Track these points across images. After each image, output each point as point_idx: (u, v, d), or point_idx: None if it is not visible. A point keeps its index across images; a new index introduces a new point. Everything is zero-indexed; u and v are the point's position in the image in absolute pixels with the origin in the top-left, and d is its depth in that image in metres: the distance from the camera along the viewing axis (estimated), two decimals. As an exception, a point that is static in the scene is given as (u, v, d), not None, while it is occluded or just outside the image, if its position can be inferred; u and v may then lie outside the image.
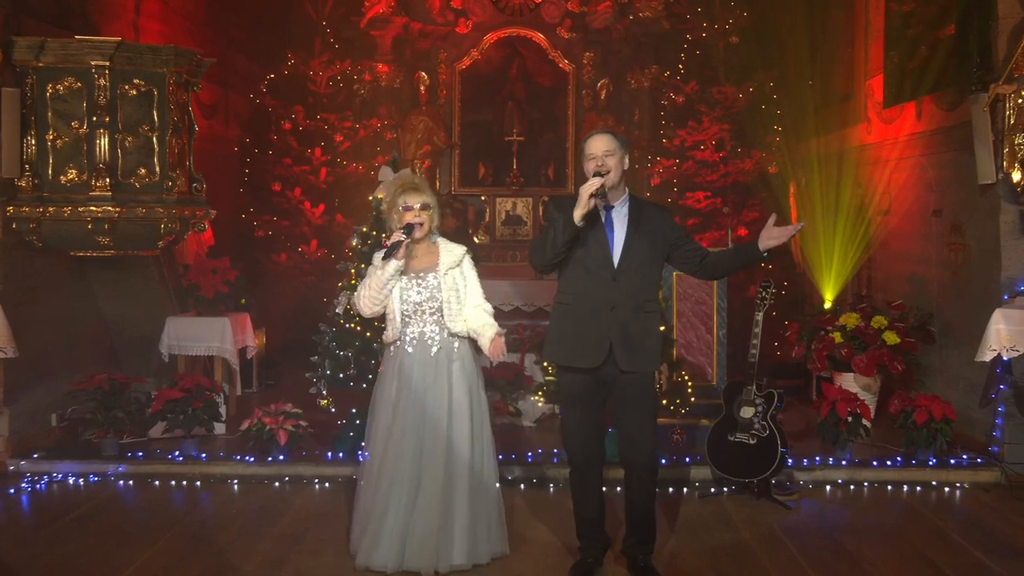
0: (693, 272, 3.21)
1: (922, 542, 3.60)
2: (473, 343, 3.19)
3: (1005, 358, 4.21)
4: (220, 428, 4.97)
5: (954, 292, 5.11)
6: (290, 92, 7.52)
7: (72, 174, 4.53)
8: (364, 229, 4.74)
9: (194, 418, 4.62)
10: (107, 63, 4.48)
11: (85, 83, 4.50)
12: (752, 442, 4.08)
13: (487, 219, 7.71)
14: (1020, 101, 4.23)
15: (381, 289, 3.04)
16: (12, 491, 4.18)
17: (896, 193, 5.90)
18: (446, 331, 3.08)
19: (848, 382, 5.02)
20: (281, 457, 4.48)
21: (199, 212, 5.05)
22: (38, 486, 4.28)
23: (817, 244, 5.98)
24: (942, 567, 3.33)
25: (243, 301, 5.82)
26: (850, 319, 5.08)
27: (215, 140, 6.85)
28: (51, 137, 4.51)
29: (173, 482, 4.38)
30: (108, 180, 4.51)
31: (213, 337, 5.21)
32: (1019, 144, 4.26)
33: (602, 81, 7.61)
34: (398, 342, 3.11)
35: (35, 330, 4.61)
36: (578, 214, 2.90)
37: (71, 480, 4.37)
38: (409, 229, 3.04)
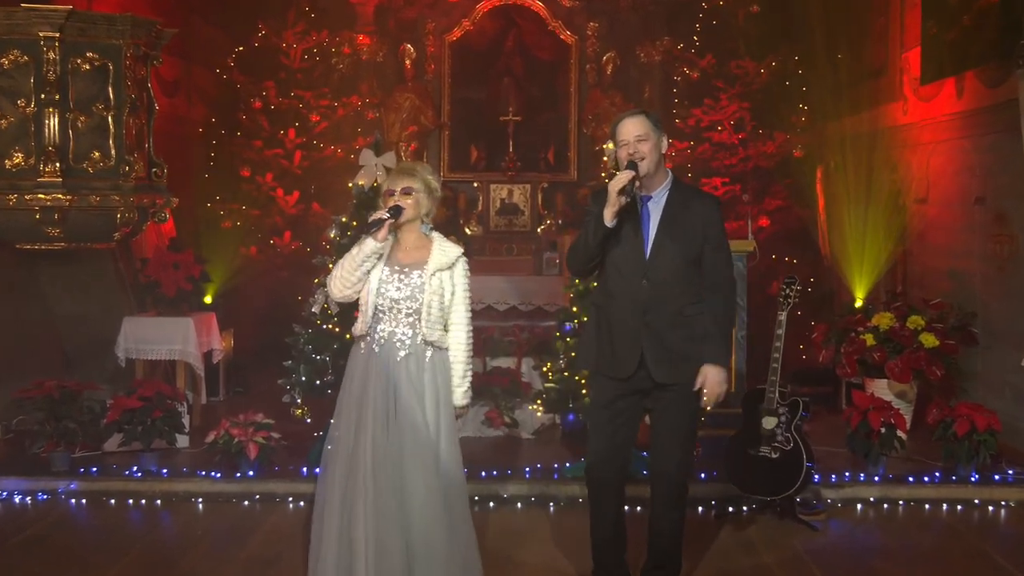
0: None
1: (963, 567, 3.61)
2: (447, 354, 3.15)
3: (1056, 362, 4.23)
4: (183, 441, 4.96)
5: (999, 289, 5.12)
6: (261, 66, 7.49)
7: (18, 158, 4.52)
8: (343, 219, 4.73)
9: (154, 430, 4.61)
10: (57, 34, 4.46)
11: (32, 56, 4.48)
12: (775, 456, 4.09)
13: (480, 208, 7.70)
14: (1073, 76, 4.23)
15: (355, 270, 3.02)
16: (-49, 511, 4.18)
17: (934, 179, 5.90)
18: (420, 336, 3.06)
19: (881, 389, 5.03)
20: (251, 473, 4.47)
21: (159, 200, 5.04)
22: (-20, 505, 4.28)
23: (847, 236, 5.99)
24: (985, 594, 3.34)
25: (208, 299, 5.81)
26: (883, 319, 5.09)
27: (177, 120, 6.83)
28: (-6, 116, 4.50)
29: (131, 500, 4.37)
30: (58, 165, 4.49)
31: (175, 339, 5.19)
32: (1072, 124, 4.27)
33: (608, 54, 7.61)
34: (367, 338, 3.10)
35: (-24, 332, 4.60)
36: (608, 213, 2.89)
37: (17, 498, 4.36)
38: (397, 211, 3.03)
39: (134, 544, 3.80)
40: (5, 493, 4.38)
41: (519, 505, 4.32)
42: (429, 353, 3.07)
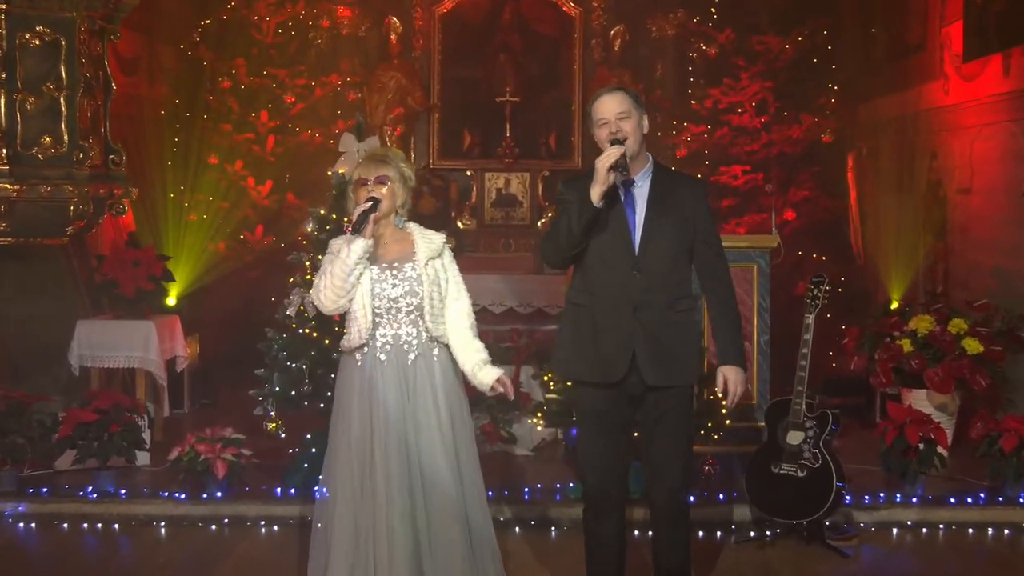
0: None
1: (1010, 597, 3.62)
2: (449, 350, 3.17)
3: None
4: (143, 458, 4.95)
5: (1050, 289, 5.13)
6: (230, 42, 7.49)
7: (-40, 144, 4.51)
8: (321, 212, 4.72)
9: (111, 446, 4.60)
10: (3, 6, 4.46)
11: (-26, 31, 4.48)
12: (801, 475, 4.09)
13: (473, 199, 7.71)
14: None
15: (347, 276, 3.02)
16: None
17: (979, 166, 5.91)
18: (425, 334, 3.08)
19: (920, 400, 5.03)
20: (219, 494, 4.46)
21: (117, 191, 5.03)
22: (-83, 530, 4.28)
23: (881, 230, 6.00)
24: (1035, 628, 3.35)
25: (172, 301, 5.80)
26: (922, 323, 5.09)
27: (137, 102, 6.83)
28: (-67, 98, 4.51)
29: (86, 524, 4.36)
30: (4, 151, 4.49)
31: (134, 345, 5.19)
32: None
33: (616, 28, 7.61)
34: (365, 348, 3.10)
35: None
36: (596, 192, 2.89)
37: (-42, 523, 4.36)
38: (375, 203, 3.04)
39: (88, 573, 3.79)
40: (-55, 516, 4.38)
41: (517, 529, 4.32)
42: (436, 350, 3.11)
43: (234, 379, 6.09)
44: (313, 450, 4.37)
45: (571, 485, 4.50)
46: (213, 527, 4.35)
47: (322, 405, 4.48)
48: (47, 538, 4.24)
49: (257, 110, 7.38)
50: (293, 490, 4.49)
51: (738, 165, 7.38)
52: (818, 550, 4.06)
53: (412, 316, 3.08)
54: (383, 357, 3.07)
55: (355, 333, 3.10)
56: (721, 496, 4.47)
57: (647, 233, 3.01)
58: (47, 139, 4.64)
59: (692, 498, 4.26)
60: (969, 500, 4.49)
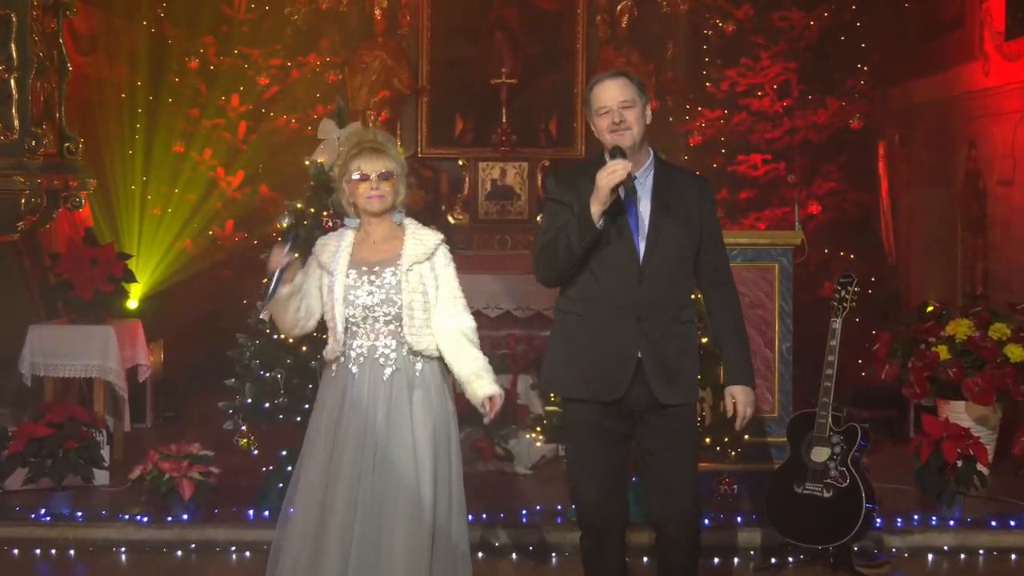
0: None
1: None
2: (442, 363, 3.16)
3: None
4: (102, 477, 4.95)
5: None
6: (197, 18, 7.49)
7: (-102, 130, 4.52)
8: (299, 206, 4.72)
9: (66, 463, 4.60)
10: (-55, -22, 4.46)
11: (-85, 5, 4.48)
12: (827, 495, 4.09)
13: (466, 191, 7.71)
14: None
15: (283, 313, 3.08)
16: None
17: (1022, 156, 5.92)
18: (406, 347, 3.07)
19: (958, 413, 5.04)
20: (185, 516, 4.47)
21: (73, 182, 5.03)
22: None
23: (915, 226, 6.01)
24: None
25: (133, 304, 5.79)
26: (960, 327, 5.10)
27: (95, 84, 6.82)
28: None
29: (38, 551, 4.35)
30: (-52, 139, 4.49)
31: (92, 353, 5.18)
32: None
33: (623, 3, 7.63)
34: (341, 359, 3.10)
35: None
36: (596, 210, 2.87)
37: (-103, 549, 4.36)
38: (295, 236, 3.07)
39: (42, 604, 3.80)
40: None
41: (514, 556, 4.33)
42: (419, 366, 3.08)
43: (202, 390, 6.09)
44: (289, 468, 4.34)
45: (573, 507, 4.50)
46: (179, 553, 4.35)
47: (299, 419, 4.48)
48: (-5, 565, 4.25)
49: (227, 93, 7.38)
50: (267, 513, 4.48)
51: (757, 154, 7.38)
52: (846, 578, 4.08)
53: (391, 326, 3.06)
54: (355, 370, 3.06)
55: (332, 343, 3.12)
56: (738, 518, 4.47)
57: (652, 237, 3.00)
58: (-4, 125, 4.64)
59: (706, 520, 4.28)
60: (1012, 523, 4.50)
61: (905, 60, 6.81)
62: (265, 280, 3.10)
